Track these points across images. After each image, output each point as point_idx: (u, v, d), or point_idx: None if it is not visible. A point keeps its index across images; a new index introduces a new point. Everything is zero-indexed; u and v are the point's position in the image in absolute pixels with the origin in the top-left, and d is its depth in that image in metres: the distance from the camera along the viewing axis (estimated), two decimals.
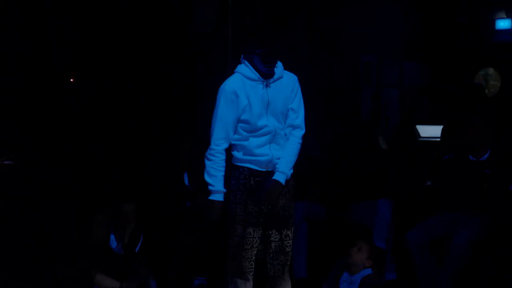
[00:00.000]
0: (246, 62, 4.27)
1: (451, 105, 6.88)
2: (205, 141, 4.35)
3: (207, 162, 4.26)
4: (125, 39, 7.22)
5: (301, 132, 4.40)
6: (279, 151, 4.30)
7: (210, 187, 4.26)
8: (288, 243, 4.36)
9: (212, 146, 4.26)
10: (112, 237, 5.36)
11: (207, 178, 4.25)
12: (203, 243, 5.53)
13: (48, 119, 6.74)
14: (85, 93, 7.10)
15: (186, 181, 5.97)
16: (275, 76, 4.28)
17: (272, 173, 4.28)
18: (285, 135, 4.37)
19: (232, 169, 4.33)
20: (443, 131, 6.25)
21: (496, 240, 5.39)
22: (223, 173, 4.27)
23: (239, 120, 4.25)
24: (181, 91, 7.35)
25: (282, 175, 4.28)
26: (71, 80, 7.11)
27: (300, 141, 4.39)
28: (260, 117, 4.24)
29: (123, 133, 6.86)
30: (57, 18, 6.93)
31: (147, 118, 7.06)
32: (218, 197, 4.26)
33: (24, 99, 6.73)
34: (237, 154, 4.30)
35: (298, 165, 6.18)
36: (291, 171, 4.33)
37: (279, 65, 4.31)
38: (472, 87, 6.90)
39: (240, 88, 4.24)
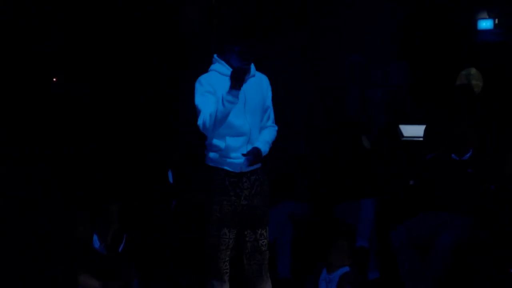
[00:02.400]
0: (221, 61, 4.28)
1: (437, 104, 6.91)
2: (189, 139, 4.36)
3: (209, 122, 4.12)
4: (110, 37, 7.21)
5: (275, 127, 4.45)
6: None
7: (227, 103, 4.08)
8: (263, 242, 4.35)
9: (198, 122, 4.20)
10: (95, 237, 5.36)
11: (219, 115, 4.10)
12: (189, 242, 5.54)
13: (30, 119, 6.71)
14: (69, 93, 7.08)
15: (171, 179, 5.97)
16: (251, 73, 4.29)
17: (245, 173, 4.29)
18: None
19: (206, 170, 4.32)
20: (426, 130, 6.28)
21: (479, 239, 5.42)
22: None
23: None
24: (164, 90, 7.34)
25: (260, 143, 4.29)
26: (54, 79, 7.09)
27: (276, 128, 4.43)
28: (237, 115, 4.22)
29: (106, 132, 6.85)
30: (47, 15, 6.92)
31: (130, 117, 7.05)
32: (234, 92, 4.09)
33: (10, 98, 6.72)
34: (212, 155, 4.29)
35: (283, 164, 6.21)
36: (267, 150, 4.33)
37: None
38: (462, 87, 6.94)
39: (216, 83, 4.22)
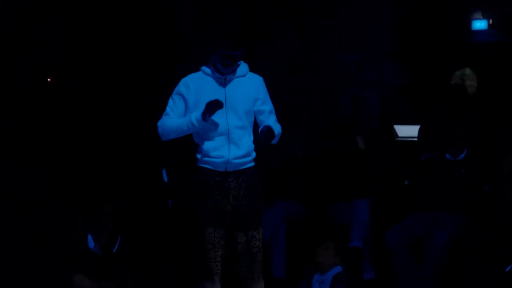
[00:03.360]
0: (210, 60, 4.31)
1: (430, 105, 6.92)
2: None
3: (162, 126, 4.28)
4: (107, 38, 7.20)
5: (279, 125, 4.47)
6: (237, 151, 4.29)
7: (191, 125, 4.20)
8: (255, 244, 4.33)
9: (158, 123, 4.32)
10: (90, 237, 5.33)
11: (175, 129, 4.25)
12: (185, 242, 5.52)
13: (25, 119, 6.70)
14: (62, 93, 7.07)
15: (165, 178, 5.96)
16: (236, 73, 4.31)
17: (232, 173, 4.29)
18: (249, 135, 4.38)
19: (193, 169, 4.35)
20: (420, 131, 6.29)
21: (474, 239, 5.42)
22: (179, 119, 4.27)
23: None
24: (159, 89, 7.34)
25: (271, 123, 4.32)
26: (48, 79, 7.08)
27: (280, 126, 4.43)
28: (217, 115, 4.22)
29: (100, 132, 6.83)
30: (39, 16, 6.91)
31: (125, 116, 7.04)
32: (197, 114, 4.19)
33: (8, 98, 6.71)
34: (197, 155, 4.33)
35: (278, 165, 6.19)
36: (279, 135, 4.35)
37: (243, 64, 4.34)
38: (455, 87, 6.96)
39: (195, 83, 4.29)
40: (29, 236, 5.09)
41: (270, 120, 4.38)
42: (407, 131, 7.03)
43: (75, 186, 5.85)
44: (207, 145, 4.28)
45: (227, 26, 4.23)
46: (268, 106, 4.40)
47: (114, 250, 5.39)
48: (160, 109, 7.12)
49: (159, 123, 4.32)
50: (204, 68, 4.34)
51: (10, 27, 6.74)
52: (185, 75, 4.41)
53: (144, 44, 7.29)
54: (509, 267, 5.13)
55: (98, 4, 7.17)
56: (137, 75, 7.28)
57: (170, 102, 4.35)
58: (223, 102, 4.23)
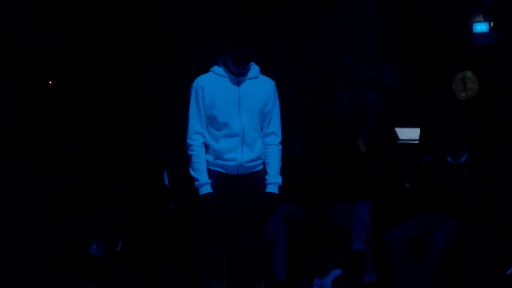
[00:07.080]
0: (220, 62, 4.33)
1: (432, 107, 6.93)
2: (184, 139, 4.38)
3: (189, 158, 4.32)
4: (102, 36, 7.19)
5: (277, 139, 4.44)
6: (250, 153, 4.31)
7: (196, 182, 4.27)
8: (261, 244, 4.38)
9: (188, 141, 4.32)
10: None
11: (192, 173, 4.29)
12: (187, 244, 5.53)
13: (25, 118, 6.69)
14: (63, 93, 7.06)
15: (166, 181, 5.95)
16: (249, 75, 4.32)
17: (243, 176, 4.31)
18: (262, 141, 4.40)
19: None
20: (421, 133, 6.28)
21: (473, 241, 5.43)
22: (205, 165, 4.29)
23: (207, 117, 4.29)
24: (158, 90, 7.34)
25: (274, 186, 4.37)
26: (50, 82, 7.08)
27: (279, 147, 4.44)
28: (230, 116, 4.26)
29: (100, 133, 6.82)
30: (36, 17, 6.90)
31: (126, 118, 7.03)
32: (206, 189, 4.27)
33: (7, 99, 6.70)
34: (208, 157, 4.32)
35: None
36: (280, 177, 4.40)
37: (254, 66, 4.36)
38: (442, 92, 6.98)
39: (208, 84, 4.28)
40: (25, 239, 5.09)
41: (270, 127, 4.39)
42: (408, 133, 7.03)
43: (76, 188, 5.84)
44: (220, 147, 4.27)
45: (233, 26, 4.25)
46: (274, 110, 4.40)
47: (116, 252, 5.39)
48: (159, 109, 7.16)
49: (191, 152, 4.29)
50: (216, 69, 4.33)
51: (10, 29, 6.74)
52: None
53: (143, 47, 7.29)
54: (510, 270, 5.13)
55: (97, 5, 7.17)
56: (136, 75, 7.27)
57: (191, 112, 4.31)
58: (238, 102, 4.26)
